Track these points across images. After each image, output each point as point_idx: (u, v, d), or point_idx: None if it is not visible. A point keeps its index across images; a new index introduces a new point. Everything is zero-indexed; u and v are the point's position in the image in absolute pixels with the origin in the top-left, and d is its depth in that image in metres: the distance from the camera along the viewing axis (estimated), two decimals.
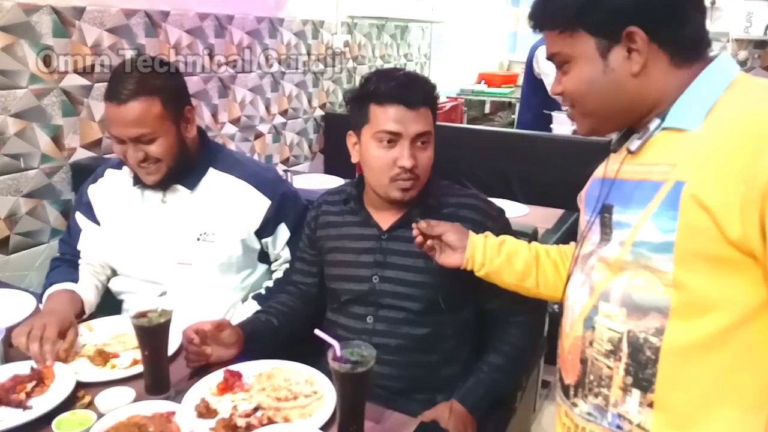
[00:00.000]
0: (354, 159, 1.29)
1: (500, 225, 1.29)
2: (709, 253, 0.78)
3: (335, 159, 3.44)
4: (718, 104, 0.81)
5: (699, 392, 0.82)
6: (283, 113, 3.22)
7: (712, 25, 3.87)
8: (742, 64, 4.50)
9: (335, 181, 2.74)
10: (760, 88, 0.83)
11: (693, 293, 0.80)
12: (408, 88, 1.19)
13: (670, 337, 0.82)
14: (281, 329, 1.33)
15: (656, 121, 0.86)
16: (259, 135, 3.06)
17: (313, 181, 2.84)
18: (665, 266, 0.80)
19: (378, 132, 1.20)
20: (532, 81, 3.80)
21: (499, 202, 2.32)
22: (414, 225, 1.15)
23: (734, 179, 0.74)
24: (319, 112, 3.50)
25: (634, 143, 0.88)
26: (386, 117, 1.19)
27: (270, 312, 1.36)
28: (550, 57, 0.92)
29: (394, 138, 1.19)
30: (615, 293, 0.87)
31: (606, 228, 0.90)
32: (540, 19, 0.91)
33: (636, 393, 0.85)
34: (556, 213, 2.33)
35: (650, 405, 0.84)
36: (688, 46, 0.85)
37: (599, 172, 0.98)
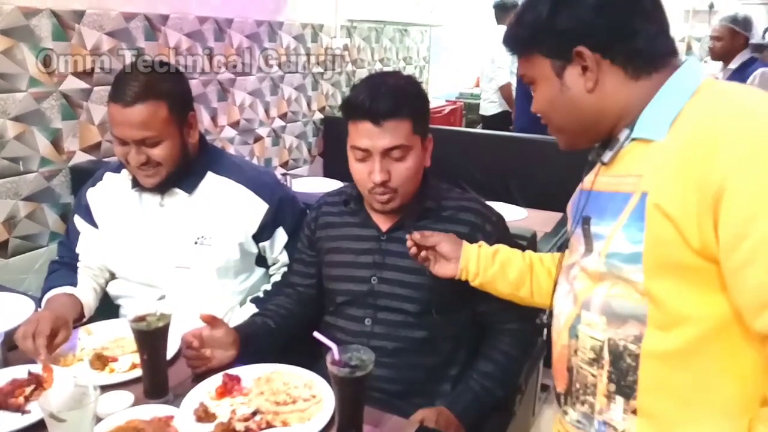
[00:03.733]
0: None
1: (499, 229, 1.29)
2: (676, 263, 0.78)
3: (334, 162, 3.44)
4: (682, 113, 0.81)
5: (680, 398, 0.83)
6: (283, 116, 3.22)
7: (710, 29, 3.90)
8: None
9: (334, 184, 2.73)
10: (719, 94, 0.83)
11: (664, 303, 0.80)
12: (375, 103, 1.15)
13: (648, 344, 0.82)
14: (278, 331, 1.33)
15: (625, 132, 0.87)
16: (258, 138, 3.07)
17: (313, 184, 2.84)
18: (636, 276, 0.82)
19: (351, 147, 1.21)
20: (525, 86, 3.87)
21: (498, 205, 2.32)
22: (408, 236, 1.15)
23: (691, 187, 0.75)
24: (318, 116, 3.51)
25: (606, 155, 0.90)
26: (357, 133, 1.19)
27: (267, 314, 1.36)
28: (520, 78, 0.97)
29: (365, 154, 1.19)
30: (596, 302, 0.88)
31: (588, 239, 0.91)
32: (508, 47, 0.96)
33: (620, 400, 0.86)
34: (555, 216, 2.33)
35: (634, 412, 0.85)
36: (643, 58, 0.86)
37: (581, 184, 0.99)
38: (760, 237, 0.71)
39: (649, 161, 0.82)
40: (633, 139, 0.86)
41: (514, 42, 0.94)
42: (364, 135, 1.18)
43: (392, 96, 1.17)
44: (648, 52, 0.86)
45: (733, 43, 3.23)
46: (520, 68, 0.95)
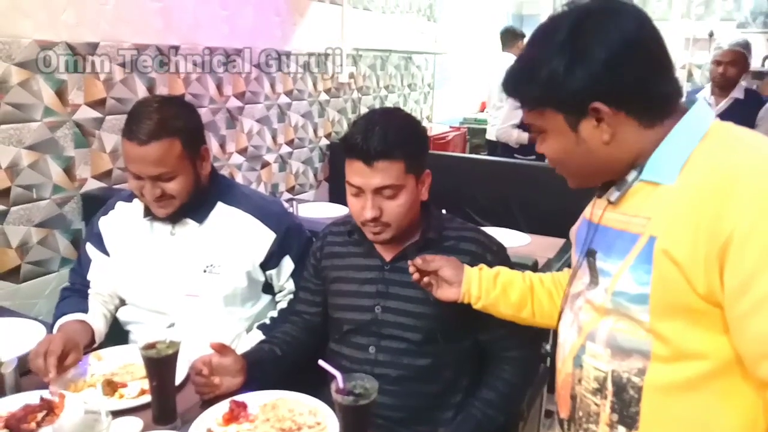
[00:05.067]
0: None
1: (500, 259, 1.31)
2: (682, 305, 0.80)
3: (340, 187, 3.44)
4: (693, 157, 0.83)
5: (681, 431, 0.84)
6: (290, 143, 3.28)
7: (710, 56, 3.93)
8: None
9: (340, 210, 2.77)
10: (730, 140, 0.84)
11: (670, 342, 0.82)
12: (366, 143, 1.17)
13: (652, 378, 0.84)
14: (284, 358, 1.35)
15: (633, 173, 0.88)
16: (265, 164, 3.12)
17: (318, 209, 2.88)
18: (642, 316, 0.84)
19: (347, 181, 1.24)
20: None
21: (501, 230, 2.36)
22: (410, 262, 1.18)
23: (701, 235, 0.77)
24: (324, 142, 3.56)
25: (613, 194, 0.91)
26: (351, 170, 1.22)
27: (273, 341, 1.38)
28: (527, 125, 0.96)
29: (358, 190, 1.22)
30: (600, 334, 0.90)
31: (593, 272, 0.93)
32: (511, 95, 0.94)
33: (622, 430, 0.88)
34: (558, 242, 2.34)
35: None
36: (655, 107, 0.86)
37: (587, 212, 1.01)
38: (766, 289, 0.73)
39: (659, 205, 0.83)
40: (641, 181, 0.87)
41: (526, 99, 0.92)
42: (356, 173, 1.21)
43: (385, 137, 1.18)
44: (661, 101, 0.86)
45: (744, 70, 3.09)
46: (528, 118, 0.93)
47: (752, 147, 0.82)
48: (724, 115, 2.89)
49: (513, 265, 1.36)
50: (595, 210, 0.97)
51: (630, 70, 0.84)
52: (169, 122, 1.34)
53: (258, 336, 1.47)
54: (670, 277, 0.80)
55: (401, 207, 1.23)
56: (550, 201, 2.76)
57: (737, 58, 3.03)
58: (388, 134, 1.18)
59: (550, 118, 0.89)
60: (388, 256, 1.32)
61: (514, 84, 0.93)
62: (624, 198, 0.90)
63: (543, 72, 0.86)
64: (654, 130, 0.87)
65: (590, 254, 0.94)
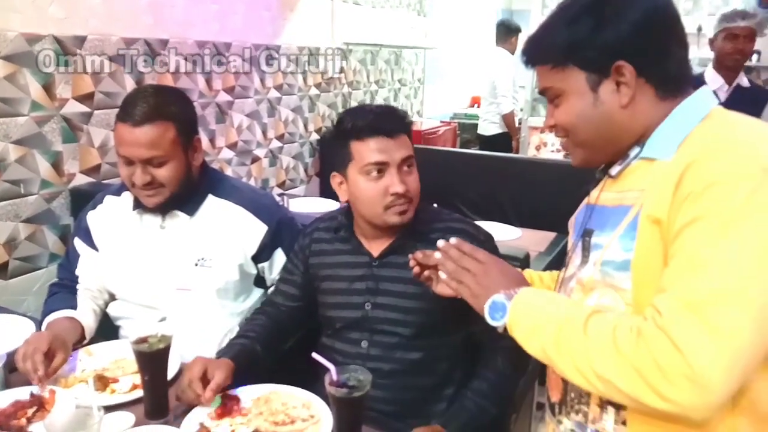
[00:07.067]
0: (342, 198, 1.32)
1: (488, 249, 1.31)
2: (659, 271, 0.81)
3: (330, 182, 3.48)
4: (690, 136, 0.85)
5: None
6: (280, 137, 3.26)
7: (698, 51, 3.95)
8: None
9: (331, 204, 2.77)
10: (728, 123, 0.87)
11: None
12: (385, 118, 1.25)
13: None
14: (263, 358, 1.31)
15: (636, 149, 0.90)
16: (255, 159, 3.10)
17: (309, 204, 2.88)
18: (625, 284, 0.85)
19: (365, 166, 1.24)
20: None
21: (491, 225, 2.37)
22: (410, 256, 1.17)
23: (676, 195, 0.79)
24: (314, 136, 3.55)
25: (614, 169, 0.93)
26: (369, 150, 1.23)
27: (256, 339, 1.32)
28: (542, 91, 0.96)
29: (381, 168, 1.23)
30: None
31: (586, 251, 0.95)
32: (533, 55, 0.95)
33: (611, 410, 0.89)
34: (548, 236, 2.36)
35: (623, 422, 0.87)
36: (672, 80, 0.89)
37: (587, 199, 1.02)
38: (688, 241, 0.76)
39: (653, 177, 0.85)
40: (641, 158, 0.89)
41: (549, 51, 0.92)
42: (378, 150, 1.23)
43: (398, 112, 1.30)
44: (678, 75, 0.89)
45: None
46: (546, 80, 0.93)
47: (746, 125, 0.85)
48: (728, 103, 2.10)
49: (502, 256, 1.37)
50: (593, 193, 0.99)
51: (657, 37, 0.87)
52: (165, 107, 1.34)
53: None
54: (651, 241, 0.81)
55: (417, 181, 1.28)
56: (540, 195, 2.79)
57: (751, 35, 2.37)
58: (395, 111, 1.30)
59: (570, 77, 0.90)
60: (375, 251, 1.32)
61: (539, 41, 0.94)
62: (622, 175, 0.92)
63: (572, 27, 0.88)
64: (666, 105, 0.88)
65: (586, 234, 0.95)
